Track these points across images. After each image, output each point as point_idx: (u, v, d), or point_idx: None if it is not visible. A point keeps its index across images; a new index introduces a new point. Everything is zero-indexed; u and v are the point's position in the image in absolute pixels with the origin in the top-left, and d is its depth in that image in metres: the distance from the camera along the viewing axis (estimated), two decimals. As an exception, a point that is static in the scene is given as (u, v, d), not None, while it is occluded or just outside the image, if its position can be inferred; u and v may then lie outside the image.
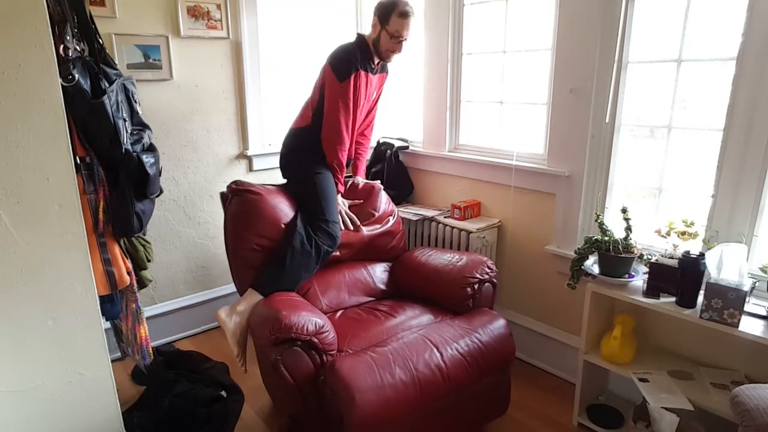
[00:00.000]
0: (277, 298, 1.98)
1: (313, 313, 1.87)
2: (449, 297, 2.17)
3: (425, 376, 1.77)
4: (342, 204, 2.39)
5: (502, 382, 2.10)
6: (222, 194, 2.29)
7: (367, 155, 2.68)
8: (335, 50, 2.26)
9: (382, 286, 2.40)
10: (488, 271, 2.18)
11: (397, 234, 2.53)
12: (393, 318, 2.10)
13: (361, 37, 2.30)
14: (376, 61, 2.32)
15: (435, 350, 1.85)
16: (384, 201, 2.55)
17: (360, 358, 1.76)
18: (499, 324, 2.05)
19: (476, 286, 2.14)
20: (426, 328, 1.98)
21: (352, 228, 2.37)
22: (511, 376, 2.14)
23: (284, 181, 2.41)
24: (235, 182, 2.24)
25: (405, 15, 2.18)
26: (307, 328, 1.76)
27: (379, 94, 2.51)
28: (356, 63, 2.21)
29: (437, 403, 1.85)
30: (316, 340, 1.77)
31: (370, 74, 2.32)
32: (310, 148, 2.31)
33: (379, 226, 2.47)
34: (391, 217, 2.53)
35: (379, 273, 2.44)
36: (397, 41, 2.22)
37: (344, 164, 2.33)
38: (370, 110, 2.53)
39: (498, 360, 1.99)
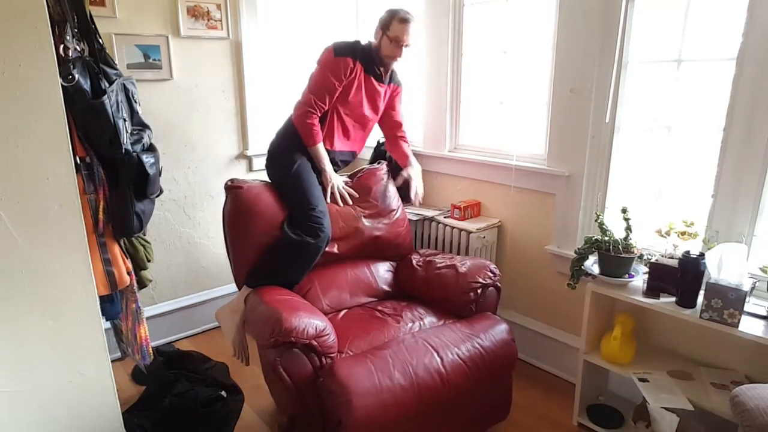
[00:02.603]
0: (278, 298, 1.96)
1: (314, 315, 1.86)
2: (452, 301, 2.16)
3: (424, 381, 1.76)
4: (333, 178, 2.35)
5: (503, 386, 2.09)
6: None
7: (407, 143, 2.65)
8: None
9: (385, 287, 2.39)
10: (491, 275, 2.16)
11: (402, 232, 2.49)
12: (395, 320, 2.09)
13: (368, 43, 2.35)
14: (382, 69, 2.36)
15: (435, 355, 1.83)
16: (389, 194, 2.50)
17: (359, 361, 1.75)
18: (501, 329, 2.03)
19: (479, 291, 2.12)
20: (427, 332, 1.96)
21: (341, 204, 2.34)
22: (513, 381, 2.12)
23: None
24: (231, 180, 2.24)
25: (405, 21, 2.26)
26: (307, 331, 1.74)
27: (391, 105, 2.53)
28: (357, 53, 2.28)
29: (437, 407, 1.84)
30: (315, 344, 1.77)
31: (373, 79, 2.36)
32: (290, 133, 2.34)
33: (384, 220, 2.43)
34: (395, 213, 2.49)
35: (382, 273, 2.42)
36: (397, 45, 2.28)
37: (305, 127, 2.28)
38: (382, 118, 2.55)
39: (499, 365, 1.97)
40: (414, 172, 2.57)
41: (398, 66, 2.49)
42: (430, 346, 1.86)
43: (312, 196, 2.23)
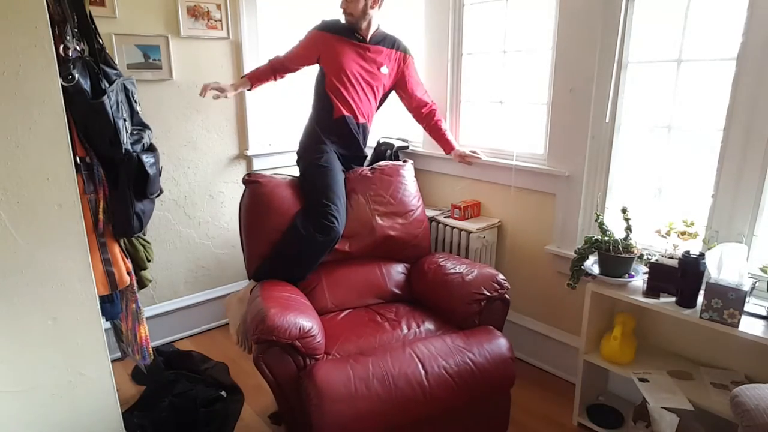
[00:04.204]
0: (275, 294, 1.96)
1: (303, 315, 1.82)
2: (456, 311, 2.07)
3: (403, 393, 1.70)
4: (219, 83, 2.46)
5: (499, 405, 2.00)
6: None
7: (440, 119, 2.63)
8: None
9: (395, 289, 2.33)
10: (497, 287, 2.03)
11: (419, 233, 2.43)
12: (393, 326, 2.05)
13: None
14: (369, 34, 2.38)
15: (420, 366, 1.76)
16: (409, 193, 2.45)
17: (339, 366, 1.72)
18: (499, 345, 1.91)
19: (483, 303, 2.02)
20: (418, 342, 1.88)
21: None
22: (511, 399, 2.03)
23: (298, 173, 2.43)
24: (249, 174, 2.27)
25: None
26: (290, 332, 1.72)
27: (402, 78, 2.52)
28: (327, 26, 2.37)
29: (421, 422, 1.78)
30: (299, 344, 1.74)
31: (356, 42, 2.37)
32: (316, 126, 2.39)
33: (399, 219, 2.38)
34: (413, 213, 2.43)
35: (394, 274, 2.36)
36: None
37: (265, 66, 2.50)
38: (404, 99, 2.59)
39: (493, 383, 1.87)
40: (461, 149, 2.60)
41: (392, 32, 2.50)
42: (417, 356, 1.79)
43: (332, 190, 2.22)
